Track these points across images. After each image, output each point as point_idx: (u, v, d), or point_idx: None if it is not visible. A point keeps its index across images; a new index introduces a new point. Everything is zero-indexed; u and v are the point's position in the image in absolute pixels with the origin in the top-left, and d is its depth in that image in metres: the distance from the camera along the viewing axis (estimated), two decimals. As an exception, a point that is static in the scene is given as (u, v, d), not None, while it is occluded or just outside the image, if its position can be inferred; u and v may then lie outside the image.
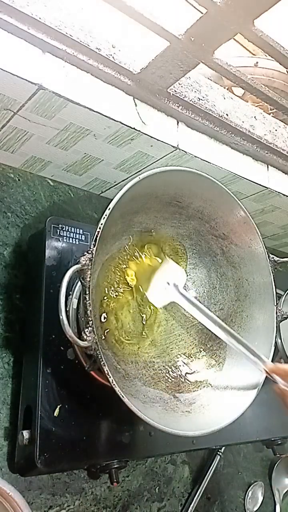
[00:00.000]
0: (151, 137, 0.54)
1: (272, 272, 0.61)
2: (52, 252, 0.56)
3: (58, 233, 0.57)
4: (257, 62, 0.88)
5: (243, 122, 0.64)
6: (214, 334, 0.58)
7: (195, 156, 0.59)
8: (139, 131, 0.53)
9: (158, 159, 0.60)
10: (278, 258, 0.62)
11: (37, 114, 0.49)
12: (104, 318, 0.56)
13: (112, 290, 0.58)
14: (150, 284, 0.60)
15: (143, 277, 0.60)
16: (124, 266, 0.59)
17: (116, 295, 0.58)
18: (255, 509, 0.81)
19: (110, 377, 0.42)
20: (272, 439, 0.77)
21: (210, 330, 0.58)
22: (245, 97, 0.81)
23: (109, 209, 0.45)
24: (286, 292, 0.74)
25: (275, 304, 0.61)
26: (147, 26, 0.43)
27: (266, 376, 0.53)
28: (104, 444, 0.54)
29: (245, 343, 0.55)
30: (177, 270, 0.62)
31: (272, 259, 0.61)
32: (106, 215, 0.45)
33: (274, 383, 0.52)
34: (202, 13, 0.41)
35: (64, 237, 0.58)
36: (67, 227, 0.58)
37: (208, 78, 0.63)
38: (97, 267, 0.50)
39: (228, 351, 0.63)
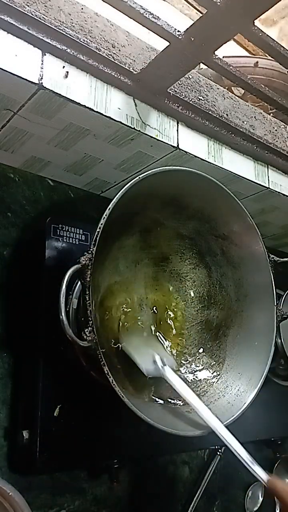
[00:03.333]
0: (151, 137, 0.54)
1: (272, 272, 0.61)
2: (52, 252, 0.56)
3: (58, 233, 0.57)
4: (257, 62, 0.89)
5: (243, 122, 0.64)
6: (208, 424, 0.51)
7: (195, 156, 0.59)
8: (139, 131, 0.53)
9: (158, 159, 0.60)
10: (278, 258, 0.62)
11: (37, 114, 0.49)
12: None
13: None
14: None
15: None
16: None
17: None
18: (255, 509, 0.81)
19: (110, 377, 0.42)
20: (272, 439, 0.77)
21: (202, 417, 0.51)
22: (245, 97, 0.81)
23: (109, 209, 0.45)
24: (286, 292, 0.74)
25: (275, 304, 0.61)
26: (147, 26, 0.43)
27: None
28: (104, 444, 0.54)
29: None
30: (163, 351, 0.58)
31: (272, 259, 0.61)
32: (106, 215, 0.45)
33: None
34: (202, 13, 0.41)
35: (64, 237, 0.58)
36: (67, 227, 0.58)
37: (208, 78, 0.63)
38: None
39: (228, 352, 0.63)
